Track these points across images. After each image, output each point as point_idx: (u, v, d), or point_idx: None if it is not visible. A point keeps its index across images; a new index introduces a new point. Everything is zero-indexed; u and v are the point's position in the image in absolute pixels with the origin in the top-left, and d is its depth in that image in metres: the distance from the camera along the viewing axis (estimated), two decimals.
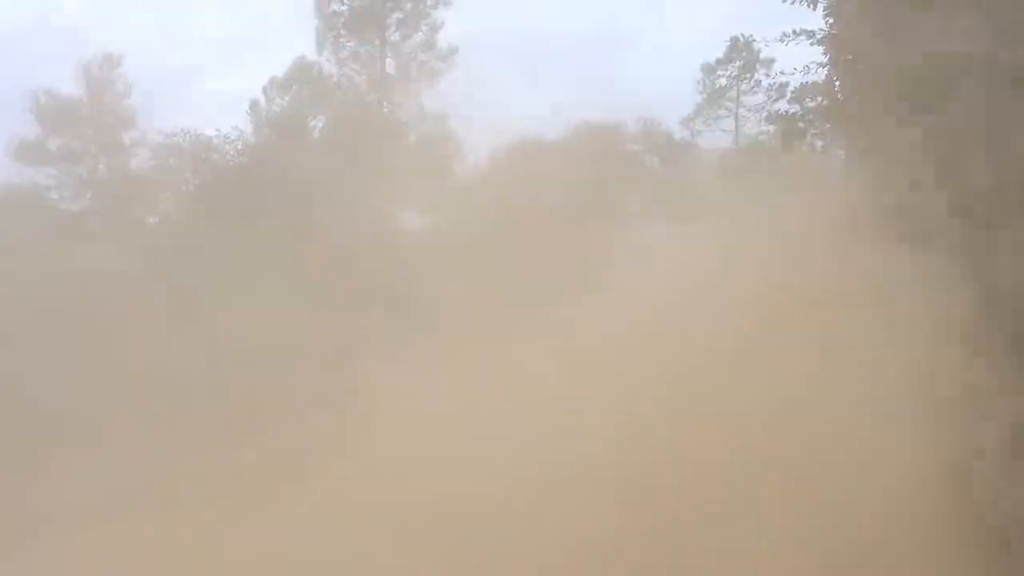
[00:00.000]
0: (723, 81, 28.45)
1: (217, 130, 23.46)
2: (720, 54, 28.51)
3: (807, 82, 9.01)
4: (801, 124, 9.66)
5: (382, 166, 22.91)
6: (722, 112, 28.70)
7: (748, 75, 28.31)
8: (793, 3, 6.23)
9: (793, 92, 9.35)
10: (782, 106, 9.73)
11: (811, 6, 6.69)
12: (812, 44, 7.14)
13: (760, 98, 28.41)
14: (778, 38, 6.46)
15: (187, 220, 21.35)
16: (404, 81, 25.21)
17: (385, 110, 24.90)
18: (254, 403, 14.72)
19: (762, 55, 27.92)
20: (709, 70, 28.35)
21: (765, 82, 28.02)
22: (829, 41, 7.28)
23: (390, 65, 25.41)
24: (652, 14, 46.15)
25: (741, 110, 28.51)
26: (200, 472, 12.70)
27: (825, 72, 7.73)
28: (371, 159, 23.47)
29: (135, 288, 17.47)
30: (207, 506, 11.14)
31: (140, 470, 13.32)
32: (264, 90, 24.24)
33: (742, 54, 27.88)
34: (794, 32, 7.08)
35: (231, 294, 16.38)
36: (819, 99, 9.04)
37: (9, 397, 15.11)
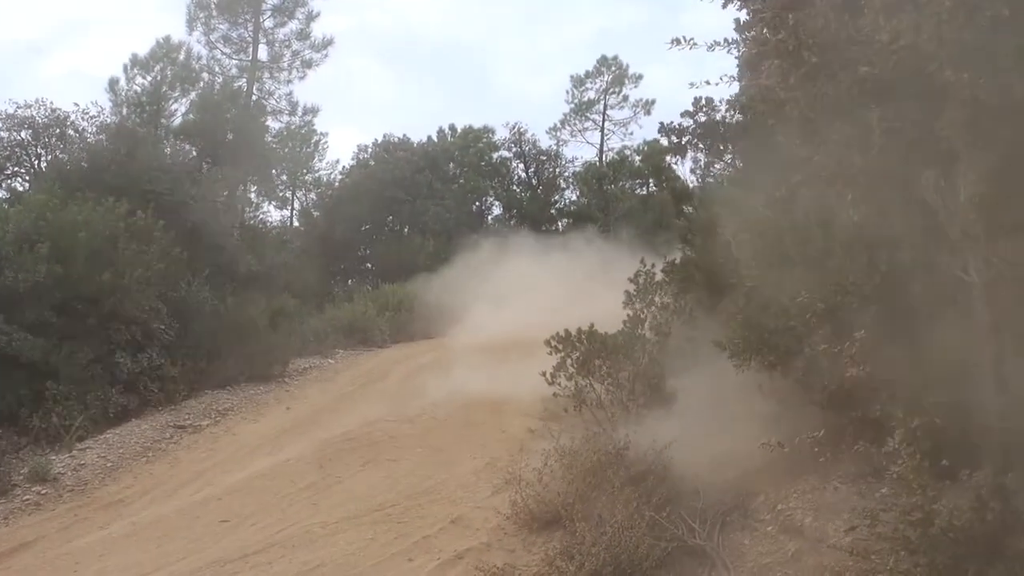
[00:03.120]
0: (591, 94, 29.53)
1: (76, 104, 22.79)
2: (590, 67, 29.63)
3: (701, 97, 9.15)
4: (689, 137, 9.70)
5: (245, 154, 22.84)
6: (589, 124, 29.86)
7: (616, 89, 29.53)
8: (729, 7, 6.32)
9: (691, 107, 9.42)
10: (675, 119, 9.74)
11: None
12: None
13: (626, 112, 29.80)
14: (708, 45, 6.54)
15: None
16: (276, 69, 25.08)
17: (254, 97, 24.71)
18: None
19: (630, 71, 29.26)
20: (578, 82, 29.40)
21: (633, 96, 29.35)
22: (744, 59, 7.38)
23: (262, 51, 25.19)
24: (527, 24, 47.14)
25: (607, 124, 29.68)
26: None
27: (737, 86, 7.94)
28: (235, 146, 23.33)
29: None
30: None
31: None
32: (124, 68, 23.55)
33: (611, 68, 29.03)
34: (726, 40, 7.04)
35: None
36: (711, 113, 9.13)
37: None
